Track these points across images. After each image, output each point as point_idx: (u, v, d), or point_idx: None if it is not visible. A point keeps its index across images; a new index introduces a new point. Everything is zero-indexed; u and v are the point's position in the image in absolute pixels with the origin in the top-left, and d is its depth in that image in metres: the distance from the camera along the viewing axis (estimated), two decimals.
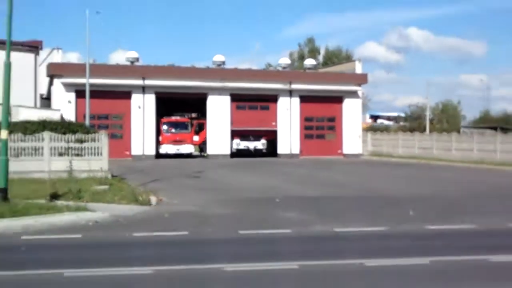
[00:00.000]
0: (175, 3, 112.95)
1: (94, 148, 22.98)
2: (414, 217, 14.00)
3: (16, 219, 12.44)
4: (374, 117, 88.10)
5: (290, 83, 44.93)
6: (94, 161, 22.60)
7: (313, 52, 76.67)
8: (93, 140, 23.12)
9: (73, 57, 49.05)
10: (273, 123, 44.72)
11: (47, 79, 41.81)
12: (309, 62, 52.88)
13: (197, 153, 45.49)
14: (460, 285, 8.16)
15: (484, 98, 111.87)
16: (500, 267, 9.05)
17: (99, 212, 13.74)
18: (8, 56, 14.51)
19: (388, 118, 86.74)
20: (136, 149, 41.16)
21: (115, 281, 8.13)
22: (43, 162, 22.21)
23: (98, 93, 37.81)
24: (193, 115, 47.87)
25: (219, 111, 43.15)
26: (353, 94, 46.38)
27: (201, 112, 45.05)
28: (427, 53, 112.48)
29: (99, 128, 32.74)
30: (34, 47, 37.64)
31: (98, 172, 21.20)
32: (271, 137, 45.03)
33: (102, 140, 23.23)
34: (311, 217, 13.92)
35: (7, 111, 14.68)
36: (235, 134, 43.77)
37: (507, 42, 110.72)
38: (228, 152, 43.11)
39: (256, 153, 44.40)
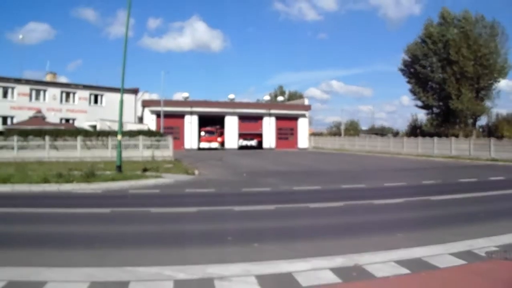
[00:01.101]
0: (208, 64, 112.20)
1: (165, 144, 22.93)
2: (334, 180, 13.95)
3: (125, 181, 12.44)
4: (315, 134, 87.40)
5: (269, 109, 44.76)
6: (165, 151, 22.56)
7: (282, 93, 75.88)
8: (165, 140, 23.08)
9: (154, 96, 48.43)
10: (260, 129, 44.52)
11: (141, 108, 41.52)
12: (280, 98, 52.69)
13: (219, 147, 45.47)
14: (356, 215, 8.08)
15: (371, 118, 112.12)
16: (379, 207, 9.06)
17: (167, 178, 13.71)
18: (121, 96, 14.60)
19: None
20: (187, 145, 40.92)
21: (178, 214, 8.26)
22: (138, 151, 22.14)
23: (167, 115, 37.68)
24: (218, 126, 47.72)
25: (231, 125, 43.02)
26: (303, 115, 46.19)
27: (222, 125, 44.97)
28: (342, 94, 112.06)
29: (168, 134, 32.59)
30: (134, 91, 37.41)
31: (167, 157, 21.19)
32: (260, 139, 44.97)
33: (169, 140, 23.22)
34: (281, 181, 13.83)
35: (121, 125, 14.80)
36: (240, 136, 43.70)
37: (384, 88, 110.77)
38: (236, 146, 42.99)
39: (251, 147, 44.39)
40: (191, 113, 41.88)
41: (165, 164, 18.22)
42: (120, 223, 7.40)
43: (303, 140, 46.07)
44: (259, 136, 44.91)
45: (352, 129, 66.82)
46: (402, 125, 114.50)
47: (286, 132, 46.41)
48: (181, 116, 41.35)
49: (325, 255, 5.30)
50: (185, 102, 42.82)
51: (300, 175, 16.71)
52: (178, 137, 40.86)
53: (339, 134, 56.33)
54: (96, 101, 36.47)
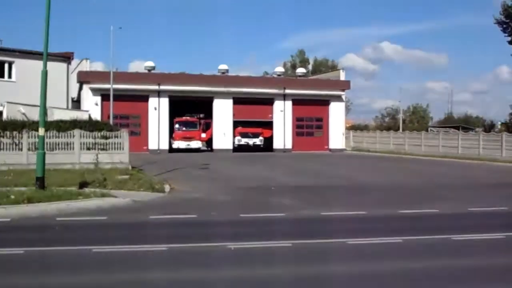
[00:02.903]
0: (187, 20, 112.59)
1: (117, 144, 22.73)
2: (388, 201, 14.03)
3: (51, 203, 12.43)
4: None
5: (284, 88, 44.83)
6: (117, 154, 22.42)
7: (304, 62, 76.41)
8: (116, 136, 22.95)
9: (98, 66, 48.69)
10: (269, 117, 44.60)
11: (77, 85, 41.64)
12: (300, 70, 52.75)
13: (204, 148, 45.46)
14: (428, 259, 8.10)
15: (448, 102, 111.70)
16: (461, 246, 9.03)
17: (120, 198, 13.71)
18: (44, 65, 14.43)
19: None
20: (152, 144, 41.06)
21: (137, 256, 8.17)
22: (73, 155, 22.00)
23: (120, 96, 37.63)
24: (201, 115, 47.69)
25: (223, 113, 43.07)
26: (338, 98, 46.24)
27: (208, 112, 44.93)
28: (398, 63, 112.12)
29: (121, 127, 32.61)
30: (66, 58, 37.36)
31: (120, 164, 21.17)
32: (268, 134, 44.96)
33: (124, 136, 23.08)
34: (301, 202, 13.89)
35: (44, 112, 14.64)
36: (238, 131, 43.69)
37: (465, 55, 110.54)
38: (230, 147, 43.09)
39: (255, 147, 44.45)
40: (159, 93, 42.02)
41: (117, 175, 18.13)
42: (39, 271, 7.40)
43: (337, 137, 46.15)
44: (266, 130, 45.12)
45: (417, 120, 66.80)
46: (499, 113, 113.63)
47: (310, 124, 46.58)
48: (142, 98, 41.54)
49: None
50: (149, 76, 42.97)
51: (331, 192, 16.78)
52: (138, 131, 41.00)
53: (396, 128, 56.26)
54: (1, 73, 35.52)
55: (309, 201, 14.24)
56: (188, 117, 44.57)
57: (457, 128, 51.28)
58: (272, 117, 44.75)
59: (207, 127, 44.90)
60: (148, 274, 7.18)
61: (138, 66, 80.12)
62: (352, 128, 60.43)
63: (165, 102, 41.82)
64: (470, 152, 36.23)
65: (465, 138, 38.93)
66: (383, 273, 7.33)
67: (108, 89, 35.68)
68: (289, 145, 44.65)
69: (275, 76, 49.46)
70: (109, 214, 11.73)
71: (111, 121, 31.99)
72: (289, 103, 44.90)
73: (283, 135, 44.65)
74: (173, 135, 42.29)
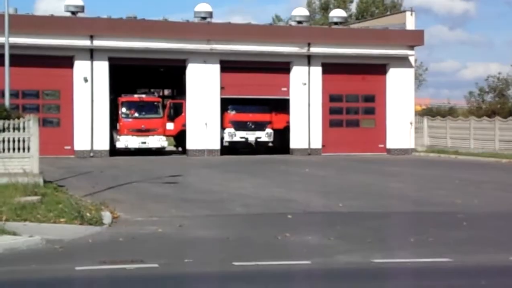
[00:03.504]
0: None
1: (17, 141, 22.54)
2: (490, 239, 13.96)
3: None
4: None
5: (309, 45, 44.82)
6: (17, 159, 22.38)
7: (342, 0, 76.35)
8: (16, 128, 22.83)
9: None
10: (284, 89, 44.83)
11: None
12: (336, 13, 52.47)
13: (172, 147, 45.34)
14: None
15: None
16: None
17: (26, 235, 13.65)
18: None
19: None
20: (81, 142, 40.98)
21: None
22: None
23: (24, 58, 37.45)
24: (166, 92, 47.74)
25: (203, 86, 42.99)
26: (403, 61, 46.20)
27: (178, 88, 44.82)
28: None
29: (25, 111, 32.50)
30: None
31: (23, 176, 21.02)
32: (280, 125, 44.99)
33: (30, 128, 22.85)
34: (338, 242, 13.94)
35: None
36: (228, 119, 43.56)
37: None
38: (217, 146, 43.00)
39: (259, 147, 44.32)
40: (93, 53, 41.96)
41: (17, 196, 18.05)
42: None
43: (401, 128, 46.08)
44: (278, 117, 45.30)
45: None
46: None
47: (354, 106, 46.92)
48: (63, 62, 41.48)
49: None
50: (74, 23, 42.74)
51: (389, 221, 17.04)
52: (56, 120, 41.14)
53: (505, 113, 55.75)
54: None
55: (351, 238, 14.32)
56: (143, 96, 44.52)
57: None
58: (288, 94, 44.81)
59: (177, 112, 44.86)
60: None
61: (54, 5, 79.08)
62: (428, 113, 60.23)
63: (103, 68, 41.76)
64: None
65: None
66: None
67: (1, 46, 35.62)
68: (317, 143, 44.72)
69: (293, 24, 49.50)
70: (6, 264, 11.72)
71: (6, 102, 31.86)
72: (317, 71, 44.95)
73: (307, 125, 44.67)
74: (118, 127, 42.42)
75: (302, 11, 50.87)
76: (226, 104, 43.70)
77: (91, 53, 41.54)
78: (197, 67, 42.99)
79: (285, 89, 44.80)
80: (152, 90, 46.60)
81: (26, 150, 22.66)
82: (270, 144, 44.72)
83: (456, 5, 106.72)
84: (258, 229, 15.78)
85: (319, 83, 44.84)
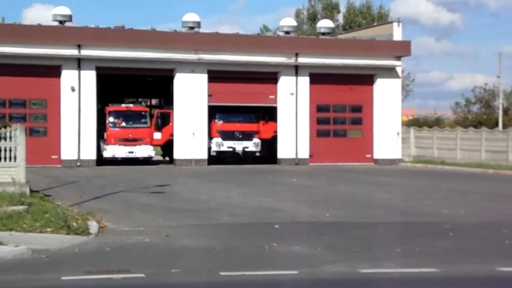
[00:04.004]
0: None
1: (4, 150, 22.47)
2: (476, 249, 14.00)
3: None
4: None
5: (297, 55, 44.89)
6: (4, 168, 22.31)
7: (330, 10, 76.44)
8: (3, 137, 22.71)
9: None
10: (271, 97, 44.85)
11: None
12: (324, 24, 52.60)
13: (159, 157, 45.21)
14: None
15: None
16: None
17: (12, 245, 13.61)
18: None
19: None
20: (68, 151, 40.91)
21: None
22: None
23: (11, 67, 37.42)
24: (154, 102, 47.66)
25: (191, 95, 43.01)
26: (390, 71, 46.42)
27: (166, 97, 44.74)
28: (496, 11, 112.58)
29: (12, 120, 32.36)
30: None
31: (9, 185, 20.97)
32: (268, 135, 45.03)
33: (17, 137, 22.82)
34: (325, 252, 13.90)
35: None
36: (216, 129, 43.49)
37: None
38: (204, 156, 43.07)
39: (246, 157, 44.35)
40: (80, 62, 41.93)
41: (4, 205, 18.00)
42: None
43: (388, 138, 46.24)
44: (266, 126, 45.38)
45: None
46: None
47: (341, 116, 47.00)
48: (50, 71, 41.44)
49: None
50: (61, 33, 42.75)
51: (376, 232, 17.03)
52: (43, 129, 41.10)
53: (492, 124, 55.96)
54: None
55: (339, 248, 14.31)
56: (130, 106, 44.41)
57: None
58: (275, 102, 44.90)
59: (164, 121, 44.83)
60: None
61: (42, 14, 79.12)
62: (414, 123, 60.41)
63: (90, 77, 41.79)
64: None
65: None
66: None
67: None
68: (304, 153, 44.80)
69: (280, 34, 49.62)
70: None
71: None
72: (304, 81, 45.11)
73: (294, 135, 44.77)
74: (105, 136, 42.36)
75: (290, 21, 50.97)
76: (213, 112, 43.71)
77: (79, 63, 41.47)
78: (185, 76, 43.01)
79: (272, 96, 44.90)
80: (139, 99, 46.48)
81: (12, 160, 22.60)
82: (258, 154, 44.69)
83: (442, 17, 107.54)
84: (245, 239, 15.78)
85: (307, 93, 44.92)
